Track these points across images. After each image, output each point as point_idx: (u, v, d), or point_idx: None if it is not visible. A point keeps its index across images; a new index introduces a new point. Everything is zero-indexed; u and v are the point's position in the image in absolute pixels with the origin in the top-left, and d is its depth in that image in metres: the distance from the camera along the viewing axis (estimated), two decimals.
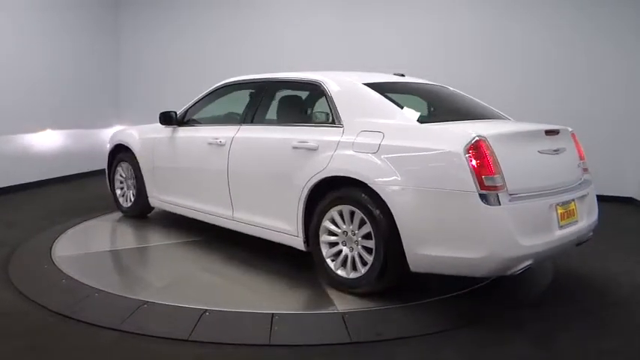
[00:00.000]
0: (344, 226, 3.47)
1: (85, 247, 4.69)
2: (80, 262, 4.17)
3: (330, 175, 3.46)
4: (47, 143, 7.62)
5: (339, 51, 7.67)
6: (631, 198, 6.76)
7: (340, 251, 3.52)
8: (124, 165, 5.50)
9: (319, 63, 7.10)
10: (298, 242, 3.78)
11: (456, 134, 3.09)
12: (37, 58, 7.32)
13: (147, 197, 5.21)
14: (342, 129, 3.53)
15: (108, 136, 6.25)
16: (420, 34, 7.44)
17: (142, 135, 5.24)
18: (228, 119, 4.71)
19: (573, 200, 3.38)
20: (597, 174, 4.43)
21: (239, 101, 4.61)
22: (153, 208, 5.34)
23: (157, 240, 4.82)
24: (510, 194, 2.96)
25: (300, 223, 3.71)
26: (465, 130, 3.09)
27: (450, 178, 2.98)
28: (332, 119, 3.66)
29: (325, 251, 3.58)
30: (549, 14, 6.93)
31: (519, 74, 7.08)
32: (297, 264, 4.00)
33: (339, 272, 3.50)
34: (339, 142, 3.48)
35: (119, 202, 5.62)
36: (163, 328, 3.01)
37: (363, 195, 3.30)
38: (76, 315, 3.14)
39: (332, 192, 3.51)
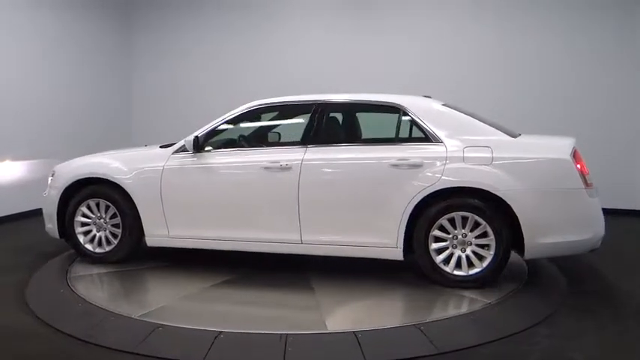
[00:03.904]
0: (455, 231, 3.94)
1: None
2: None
3: (444, 187, 3.88)
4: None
5: (348, 70, 7.72)
6: None
7: (448, 254, 3.96)
8: (93, 202, 4.60)
9: (331, 82, 7.19)
10: (395, 253, 4.04)
11: (559, 145, 3.94)
12: (50, 86, 7.22)
13: (141, 237, 4.50)
14: (442, 145, 3.97)
15: None
16: (428, 50, 7.55)
17: (134, 164, 4.50)
18: (278, 141, 4.51)
19: None
20: (609, 187, 5.02)
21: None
22: (133, 250, 4.62)
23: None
24: None
25: (401, 235, 3.99)
26: (563, 141, 3.97)
27: (563, 179, 3.80)
28: (425, 137, 4.06)
29: (436, 257, 3.97)
30: (563, 26, 7.00)
31: (529, 86, 7.12)
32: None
33: (456, 272, 3.94)
34: (446, 157, 3.92)
35: (84, 248, 4.64)
36: (178, 351, 3.04)
37: (479, 201, 3.85)
38: (91, 339, 3.17)
39: (439, 202, 3.92)
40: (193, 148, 4.30)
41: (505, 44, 7.25)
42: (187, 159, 4.38)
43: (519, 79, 7.19)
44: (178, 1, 8.55)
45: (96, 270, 4.51)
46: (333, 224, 4.14)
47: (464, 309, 3.63)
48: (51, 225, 4.74)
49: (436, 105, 4.26)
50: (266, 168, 4.19)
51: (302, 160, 4.14)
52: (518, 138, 4.07)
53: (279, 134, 4.64)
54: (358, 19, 7.82)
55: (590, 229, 3.84)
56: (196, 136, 4.32)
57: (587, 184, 3.81)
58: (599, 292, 4.09)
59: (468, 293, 3.85)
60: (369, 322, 3.40)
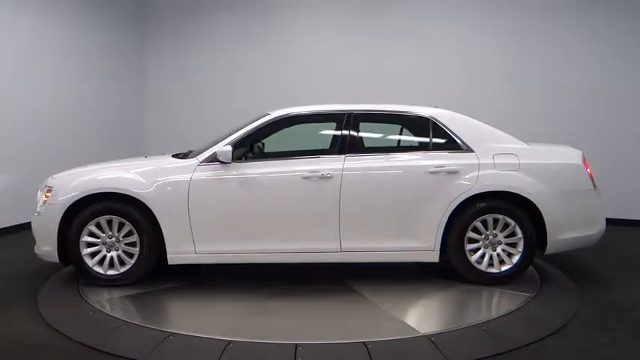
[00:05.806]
0: (486, 232, 4.25)
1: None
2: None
3: (480, 191, 4.18)
4: None
5: (350, 77, 7.80)
6: None
7: (481, 254, 4.27)
8: (104, 220, 4.18)
9: (345, 94, 6.89)
10: (431, 256, 4.26)
11: (572, 151, 4.45)
12: (61, 99, 7.21)
13: (161, 255, 4.20)
14: (473, 153, 4.27)
15: None
16: (440, 65, 7.67)
17: (155, 176, 4.18)
18: (312, 150, 4.44)
19: None
20: (610, 197, 5.26)
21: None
22: (151, 269, 4.30)
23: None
24: None
25: (439, 239, 4.21)
26: (571, 149, 4.47)
27: (578, 182, 4.32)
28: (456, 146, 4.32)
29: (471, 257, 4.25)
30: (567, 39, 7.20)
31: (536, 98, 7.28)
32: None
33: (489, 270, 4.26)
34: (479, 164, 4.23)
35: (93, 271, 4.20)
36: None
37: (509, 203, 4.21)
38: (103, 347, 3.21)
39: (475, 206, 4.21)
40: (232, 159, 4.12)
41: (505, 53, 7.45)
42: (220, 170, 4.18)
43: (518, 89, 7.40)
44: (191, 7, 8.49)
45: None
46: (373, 231, 4.24)
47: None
48: (49, 247, 4.19)
49: (460, 116, 4.54)
50: (305, 178, 4.16)
51: (342, 170, 4.18)
52: (531, 146, 4.52)
53: (312, 143, 4.61)
54: (366, 32, 7.99)
55: (596, 225, 4.40)
56: (234, 145, 4.16)
57: (595, 185, 4.36)
58: (612, 304, 4.05)
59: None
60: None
